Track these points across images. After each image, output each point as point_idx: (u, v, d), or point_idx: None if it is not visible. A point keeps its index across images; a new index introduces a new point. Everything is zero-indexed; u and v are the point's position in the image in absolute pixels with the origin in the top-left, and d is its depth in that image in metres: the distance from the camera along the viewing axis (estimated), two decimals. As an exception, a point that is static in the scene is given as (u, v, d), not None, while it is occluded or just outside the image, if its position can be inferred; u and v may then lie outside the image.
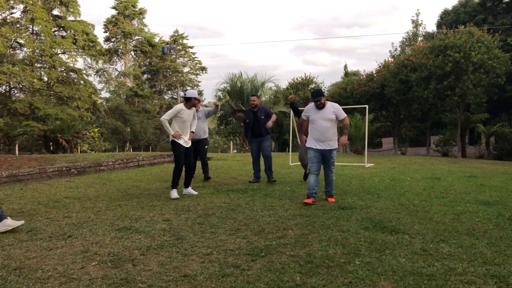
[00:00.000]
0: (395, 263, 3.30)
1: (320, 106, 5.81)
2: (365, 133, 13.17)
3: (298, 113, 8.13)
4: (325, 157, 5.86)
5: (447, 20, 29.32)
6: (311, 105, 5.96)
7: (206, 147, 8.38)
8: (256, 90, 23.31)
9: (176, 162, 6.56)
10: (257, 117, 7.99)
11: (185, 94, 6.82)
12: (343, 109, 6.06)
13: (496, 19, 26.65)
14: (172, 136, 6.50)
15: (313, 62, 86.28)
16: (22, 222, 4.47)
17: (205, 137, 8.20)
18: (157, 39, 46.37)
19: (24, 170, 8.64)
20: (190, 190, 6.68)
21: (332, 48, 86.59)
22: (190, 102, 6.57)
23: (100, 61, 39.24)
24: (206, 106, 21.02)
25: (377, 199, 6.15)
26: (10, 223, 4.36)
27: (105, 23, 44.92)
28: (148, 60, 47.21)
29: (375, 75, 22.06)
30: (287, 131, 22.21)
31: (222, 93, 24.88)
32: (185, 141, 6.58)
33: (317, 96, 5.78)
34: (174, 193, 6.36)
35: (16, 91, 33.59)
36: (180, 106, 6.60)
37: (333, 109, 5.85)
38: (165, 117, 6.52)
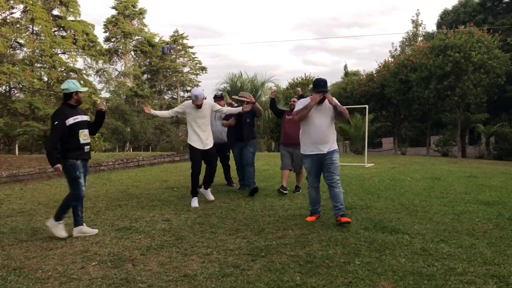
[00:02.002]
0: (395, 263, 3.30)
1: (322, 100, 4.73)
2: (365, 133, 13.17)
3: (277, 112, 6.93)
4: (325, 162, 4.76)
5: (447, 20, 29.30)
6: (308, 99, 4.88)
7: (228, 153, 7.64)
8: (256, 90, 23.31)
9: (191, 167, 5.96)
10: (240, 120, 6.83)
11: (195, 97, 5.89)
12: None
13: (496, 19, 26.63)
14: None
15: (313, 62, 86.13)
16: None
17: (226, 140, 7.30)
18: (157, 39, 46.30)
19: (24, 170, 8.65)
20: (208, 193, 6.08)
21: (332, 48, 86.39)
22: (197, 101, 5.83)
23: (100, 61, 39.19)
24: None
25: (377, 199, 6.15)
26: (85, 230, 4.36)
27: (105, 23, 44.86)
28: (148, 60, 47.14)
29: (375, 75, 22.03)
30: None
31: (222, 93, 24.87)
32: (202, 143, 5.90)
33: (322, 87, 4.70)
34: (194, 202, 5.82)
35: (16, 91, 33.56)
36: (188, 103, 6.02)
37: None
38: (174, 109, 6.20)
